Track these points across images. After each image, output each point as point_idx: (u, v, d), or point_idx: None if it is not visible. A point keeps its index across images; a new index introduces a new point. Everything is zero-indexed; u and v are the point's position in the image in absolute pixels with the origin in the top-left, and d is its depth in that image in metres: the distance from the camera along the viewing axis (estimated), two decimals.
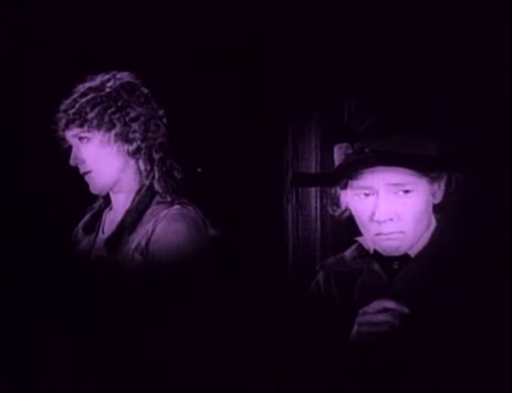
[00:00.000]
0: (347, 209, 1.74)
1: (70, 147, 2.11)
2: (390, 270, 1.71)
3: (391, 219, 1.64)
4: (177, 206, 2.05)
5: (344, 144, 1.66)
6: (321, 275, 1.85)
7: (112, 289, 2.02)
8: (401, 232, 1.65)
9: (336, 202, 1.75)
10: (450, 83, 2.42)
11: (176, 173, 2.12)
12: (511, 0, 2.27)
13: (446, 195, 1.70)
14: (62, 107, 2.09)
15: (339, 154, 1.68)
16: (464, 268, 1.65)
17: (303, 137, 2.85)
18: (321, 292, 1.83)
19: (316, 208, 2.83)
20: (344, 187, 1.68)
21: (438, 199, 1.70)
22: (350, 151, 1.64)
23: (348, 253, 1.82)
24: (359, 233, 1.74)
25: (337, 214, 1.77)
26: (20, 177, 2.79)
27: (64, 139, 2.12)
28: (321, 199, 2.40)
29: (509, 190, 2.24)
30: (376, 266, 1.74)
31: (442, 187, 1.69)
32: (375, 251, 1.73)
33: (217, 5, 2.77)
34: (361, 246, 1.79)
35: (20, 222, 2.78)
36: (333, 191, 1.74)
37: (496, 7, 2.31)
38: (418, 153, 1.63)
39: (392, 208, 1.64)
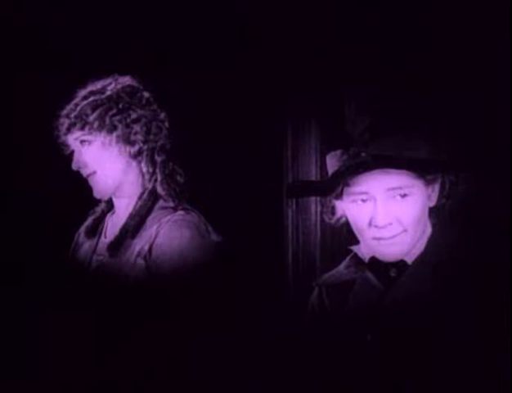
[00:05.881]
0: (342, 216, 1.74)
1: (73, 153, 2.11)
2: (386, 278, 1.71)
3: (390, 224, 1.64)
4: (180, 212, 2.05)
5: (338, 151, 1.66)
6: (314, 292, 1.86)
7: (114, 293, 2.02)
8: (404, 231, 1.65)
9: (332, 210, 1.76)
10: (445, 84, 2.42)
11: (178, 178, 2.12)
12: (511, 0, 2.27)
13: (441, 198, 1.70)
14: (64, 112, 2.10)
15: (332, 162, 1.68)
16: (463, 272, 1.65)
17: (303, 141, 2.86)
18: (314, 309, 1.84)
19: (316, 212, 2.83)
20: (340, 196, 1.68)
21: (434, 202, 1.70)
22: (345, 157, 1.65)
23: (343, 264, 1.82)
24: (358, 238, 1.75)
25: (333, 221, 1.77)
26: (21, 180, 2.80)
27: (66, 144, 2.13)
28: (321, 204, 2.41)
29: (508, 191, 2.24)
30: (370, 275, 1.73)
31: (437, 189, 1.69)
32: (371, 260, 1.73)
33: (216, 6, 2.77)
34: (356, 255, 1.79)
35: (21, 225, 2.79)
36: (328, 198, 1.74)
37: (495, 7, 2.30)
38: (412, 155, 1.63)
39: (390, 212, 1.64)
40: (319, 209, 2.77)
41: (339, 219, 1.76)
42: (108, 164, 2.08)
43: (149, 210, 2.08)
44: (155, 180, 2.10)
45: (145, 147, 2.09)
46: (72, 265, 2.19)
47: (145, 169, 2.10)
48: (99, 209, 2.22)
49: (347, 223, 1.73)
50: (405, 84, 2.48)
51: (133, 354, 1.97)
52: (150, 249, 2.00)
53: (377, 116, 1.69)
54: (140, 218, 2.07)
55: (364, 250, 1.76)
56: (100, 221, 2.21)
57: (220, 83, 2.85)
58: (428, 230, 1.72)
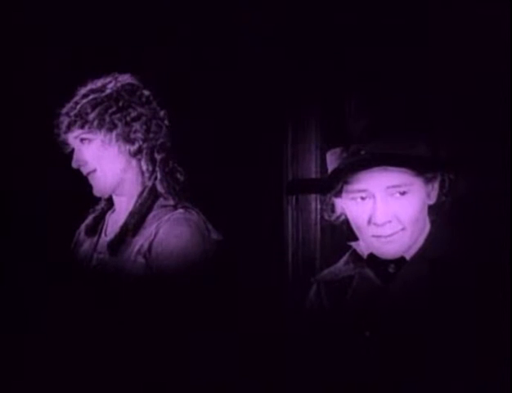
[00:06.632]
0: (342, 213, 1.74)
1: (73, 151, 2.12)
2: (384, 274, 1.71)
3: (389, 221, 1.64)
4: (180, 210, 2.05)
5: (338, 149, 1.66)
6: (312, 288, 1.86)
7: (114, 291, 2.02)
8: (403, 229, 1.65)
9: (331, 207, 1.75)
10: (444, 84, 2.42)
11: (178, 176, 2.12)
12: (511, 1, 2.27)
13: (440, 196, 1.70)
14: (64, 110, 2.10)
15: (332, 159, 1.68)
16: (461, 268, 1.65)
17: (303, 139, 2.86)
18: (312, 305, 1.83)
19: (315, 210, 2.83)
20: (339, 193, 1.68)
21: (433, 200, 1.70)
22: (345, 154, 1.65)
23: (342, 260, 1.82)
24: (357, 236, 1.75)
25: (332, 218, 1.77)
26: (22, 178, 2.80)
27: (66, 142, 2.13)
28: (321, 201, 2.42)
29: (508, 190, 2.24)
30: (368, 271, 1.73)
31: (436, 187, 1.69)
32: (369, 256, 1.73)
33: (217, 6, 2.77)
34: (355, 251, 1.79)
35: (22, 223, 2.79)
36: (327, 196, 1.74)
37: (495, 7, 2.30)
38: (412, 153, 1.63)
39: (390, 210, 1.64)
40: (319, 206, 2.77)
41: (338, 217, 1.76)
42: (108, 163, 2.09)
43: (149, 208, 2.08)
44: (155, 178, 2.10)
45: (145, 145, 2.09)
46: (72, 263, 2.19)
47: (144, 168, 2.10)
48: (99, 207, 2.22)
49: (346, 221, 1.73)
50: (405, 84, 2.48)
51: (134, 352, 1.97)
52: (150, 247, 2.00)
53: (377, 114, 1.69)
54: (140, 216, 2.07)
55: (363, 246, 1.76)
56: (100, 219, 2.21)
57: (220, 81, 2.85)
58: (428, 227, 1.72)
